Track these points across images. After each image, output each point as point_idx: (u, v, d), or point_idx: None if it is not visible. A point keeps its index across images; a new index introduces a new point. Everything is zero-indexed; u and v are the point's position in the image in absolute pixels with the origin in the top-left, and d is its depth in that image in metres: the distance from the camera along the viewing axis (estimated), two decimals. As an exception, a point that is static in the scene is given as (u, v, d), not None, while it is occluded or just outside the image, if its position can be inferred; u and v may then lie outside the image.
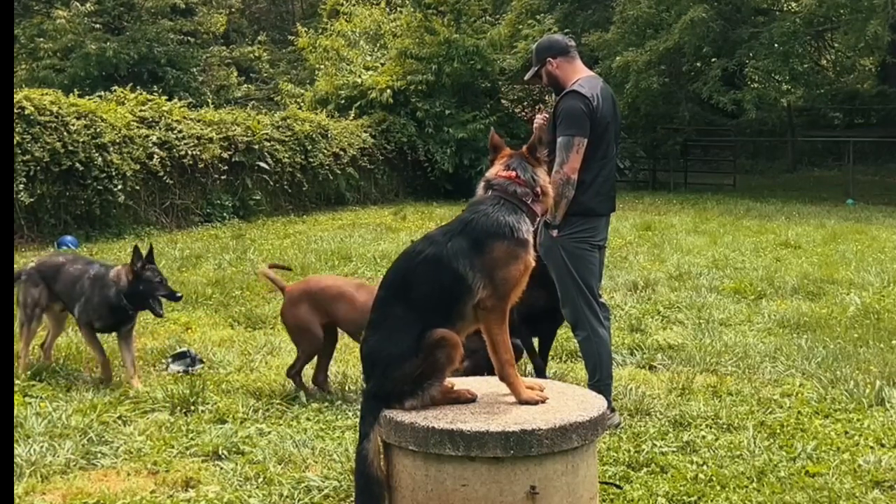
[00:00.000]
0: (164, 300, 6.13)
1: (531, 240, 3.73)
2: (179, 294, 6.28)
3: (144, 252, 6.08)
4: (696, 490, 4.28)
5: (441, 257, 3.64)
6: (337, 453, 4.67)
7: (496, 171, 3.85)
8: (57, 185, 13.56)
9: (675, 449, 4.82)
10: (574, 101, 5.03)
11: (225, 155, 16.65)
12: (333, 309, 5.71)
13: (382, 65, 22.72)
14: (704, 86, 22.75)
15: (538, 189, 3.78)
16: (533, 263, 3.75)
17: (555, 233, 5.09)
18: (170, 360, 6.54)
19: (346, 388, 5.89)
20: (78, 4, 26.65)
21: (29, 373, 6.06)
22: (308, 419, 5.29)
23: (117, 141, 14.45)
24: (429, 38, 21.91)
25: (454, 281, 3.61)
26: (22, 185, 12.82)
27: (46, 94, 14.12)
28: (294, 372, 5.83)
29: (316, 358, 5.90)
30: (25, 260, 11.22)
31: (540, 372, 5.77)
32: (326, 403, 5.58)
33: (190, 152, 15.91)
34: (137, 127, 15.26)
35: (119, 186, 14.25)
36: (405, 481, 3.56)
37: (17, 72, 24.62)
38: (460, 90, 22.23)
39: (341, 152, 19.45)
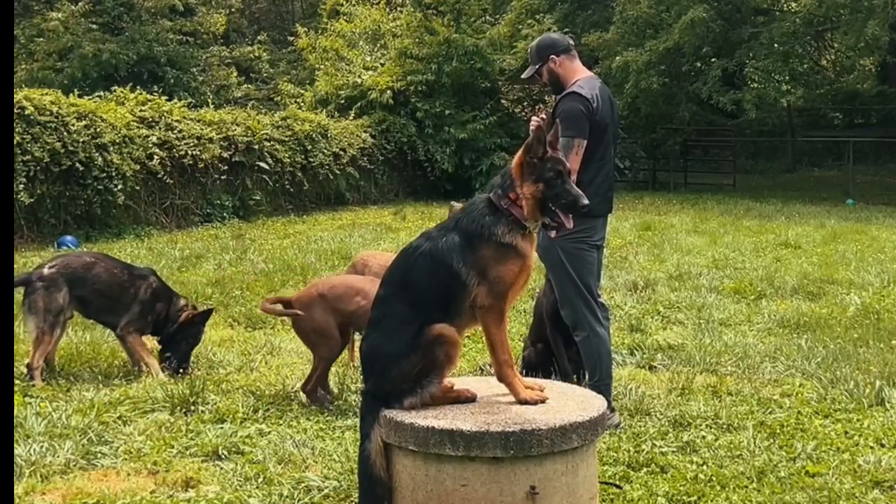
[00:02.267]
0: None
1: (518, 242, 3.65)
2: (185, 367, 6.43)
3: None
4: (696, 490, 4.28)
5: (436, 253, 3.66)
6: (337, 453, 4.67)
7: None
8: (57, 185, 13.57)
9: (675, 449, 4.82)
10: (573, 103, 5.03)
11: (225, 155, 16.66)
12: (346, 306, 5.53)
13: (382, 65, 22.73)
14: (704, 86, 22.74)
15: (512, 195, 3.68)
16: (529, 265, 3.73)
17: (552, 233, 5.09)
18: None
19: (346, 387, 5.89)
20: (70, 5, 26.62)
21: (43, 382, 5.95)
22: (308, 419, 5.28)
23: (117, 141, 14.45)
24: (429, 38, 21.92)
25: (449, 277, 3.62)
26: (22, 185, 12.82)
27: (46, 94, 14.12)
28: (311, 386, 5.58)
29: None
30: (25, 260, 11.25)
31: (566, 375, 5.64)
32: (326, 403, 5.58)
33: (190, 152, 15.91)
34: (137, 127, 15.26)
35: (119, 186, 14.26)
36: (405, 481, 3.56)
37: (17, 72, 24.60)
38: (460, 90, 22.24)
39: (341, 152, 19.46)
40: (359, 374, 5.93)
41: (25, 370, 6.02)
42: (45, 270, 6.24)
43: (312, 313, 5.54)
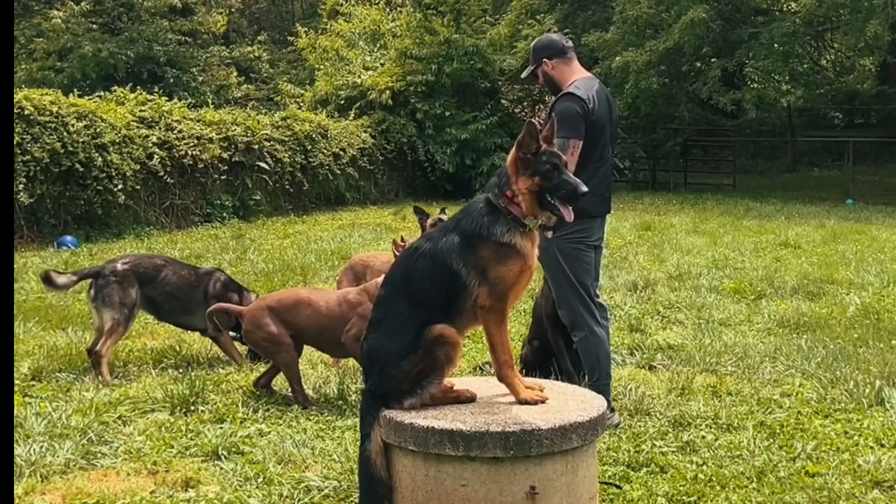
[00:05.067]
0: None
1: (518, 242, 3.64)
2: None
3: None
4: (695, 490, 4.28)
5: (436, 253, 3.66)
6: (337, 453, 4.67)
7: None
8: (57, 186, 13.58)
9: (674, 449, 4.82)
10: (569, 104, 5.04)
11: (225, 155, 16.67)
12: (293, 318, 5.59)
13: (382, 65, 22.73)
14: (704, 86, 22.76)
15: (509, 192, 3.68)
16: (531, 265, 3.72)
17: (549, 234, 5.08)
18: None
19: (346, 387, 5.89)
20: (73, 4, 26.63)
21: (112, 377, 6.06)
22: (308, 419, 5.28)
23: (117, 141, 14.47)
24: (429, 39, 21.91)
25: (450, 277, 3.62)
26: (22, 185, 12.83)
27: (46, 94, 14.13)
28: (296, 394, 5.60)
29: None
30: (25, 260, 11.25)
31: (569, 377, 5.58)
32: (326, 403, 5.58)
33: (190, 152, 15.93)
34: (137, 127, 15.27)
35: (119, 186, 14.27)
36: (405, 481, 3.56)
37: (17, 72, 24.61)
38: (460, 90, 22.24)
39: (341, 152, 19.46)
40: (355, 375, 5.95)
41: (90, 357, 6.15)
42: (119, 266, 6.39)
43: (261, 323, 5.60)
